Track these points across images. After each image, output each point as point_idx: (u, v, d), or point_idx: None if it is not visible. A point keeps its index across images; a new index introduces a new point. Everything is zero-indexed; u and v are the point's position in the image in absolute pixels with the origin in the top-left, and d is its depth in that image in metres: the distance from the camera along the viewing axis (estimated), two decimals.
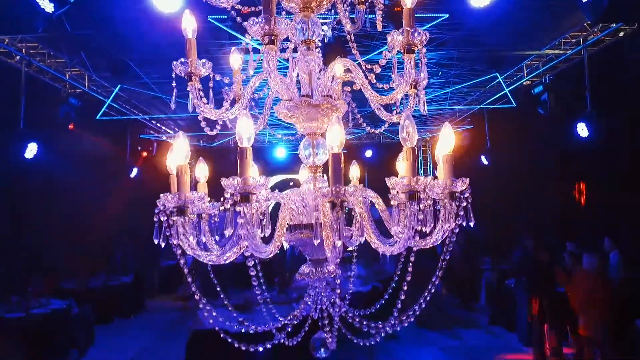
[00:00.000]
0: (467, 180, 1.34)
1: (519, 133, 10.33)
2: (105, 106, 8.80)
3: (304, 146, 1.54)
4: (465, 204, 1.32)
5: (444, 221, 1.34)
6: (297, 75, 1.58)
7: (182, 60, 1.42)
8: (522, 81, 9.12)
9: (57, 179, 10.86)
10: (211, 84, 1.50)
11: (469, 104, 11.06)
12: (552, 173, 10.15)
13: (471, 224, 1.40)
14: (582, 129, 7.20)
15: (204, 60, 1.44)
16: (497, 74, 7.76)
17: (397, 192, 1.32)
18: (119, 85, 7.86)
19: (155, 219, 1.45)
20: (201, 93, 1.43)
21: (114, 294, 12.10)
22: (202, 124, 1.53)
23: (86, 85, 8.67)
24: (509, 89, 9.20)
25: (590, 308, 6.95)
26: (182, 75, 1.43)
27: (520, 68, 9.04)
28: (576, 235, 9.79)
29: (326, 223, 1.25)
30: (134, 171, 12.22)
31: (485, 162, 11.25)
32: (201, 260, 1.40)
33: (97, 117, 9.00)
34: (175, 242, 1.32)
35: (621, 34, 6.84)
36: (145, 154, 12.58)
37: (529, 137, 9.95)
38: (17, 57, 7.00)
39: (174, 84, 1.45)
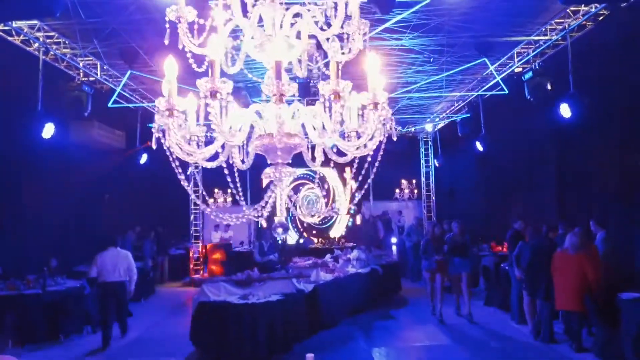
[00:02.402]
0: (387, 93, 1.77)
1: (512, 119, 10.70)
2: (116, 93, 9.35)
3: (268, 76, 1.97)
4: (385, 111, 1.75)
5: (371, 127, 1.77)
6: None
7: (174, 6, 1.87)
8: (512, 68, 9.50)
9: (69, 164, 11.45)
10: (196, 27, 1.95)
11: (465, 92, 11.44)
12: (543, 155, 10.51)
13: (393, 134, 1.84)
14: (565, 110, 7.56)
15: (190, 7, 1.89)
16: (486, 60, 8.13)
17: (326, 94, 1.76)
18: (129, 72, 8.37)
19: (154, 131, 1.91)
20: (189, 34, 1.88)
21: None
22: (190, 60, 1.98)
23: (98, 74, 9.23)
24: (500, 77, 9.57)
25: (573, 284, 7.29)
26: (174, 19, 1.88)
27: (511, 56, 9.42)
28: (566, 217, 10.14)
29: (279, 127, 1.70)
30: (144, 157, 12.75)
31: (480, 148, 11.62)
32: (189, 157, 1.85)
33: (109, 105, 9.55)
34: (166, 142, 1.77)
35: (601, 18, 7.21)
36: (150, 142, 13.09)
37: (522, 122, 10.31)
38: (36, 45, 7.56)
39: (167, 26, 1.90)
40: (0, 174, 9.98)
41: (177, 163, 2.06)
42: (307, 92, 8.82)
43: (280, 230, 1.97)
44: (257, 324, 7.67)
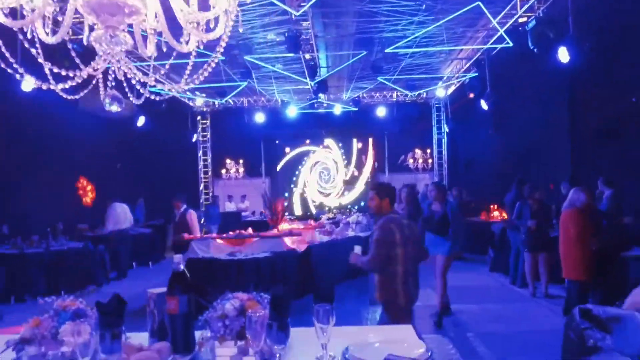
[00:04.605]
0: None
1: (518, 73, 10.16)
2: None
3: None
4: None
5: None
6: None
7: None
8: (516, 17, 8.94)
9: (79, 133, 11.69)
10: None
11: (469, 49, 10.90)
12: (556, 112, 9.99)
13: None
14: (564, 54, 7.04)
15: None
16: (480, 4, 7.63)
17: None
18: None
19: None
20: None
21: (133, 243, 12.73)
22: None
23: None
24: (504, 29, 9.04)
25: (564, 248, 6.74)
26: None
27: (514, 5, 8.85)
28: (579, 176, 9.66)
29: None
30: (141, 120, 12.77)
31: (485, 106, 11.11)
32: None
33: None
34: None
35: None
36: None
37: (527, 76, 9.77)
38: None
39: None
40: (15, 140, 10.30)
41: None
42: (297, 46, 8.54)
43: (107, 100, 1.80)
44: (243, 279, 7.63)
